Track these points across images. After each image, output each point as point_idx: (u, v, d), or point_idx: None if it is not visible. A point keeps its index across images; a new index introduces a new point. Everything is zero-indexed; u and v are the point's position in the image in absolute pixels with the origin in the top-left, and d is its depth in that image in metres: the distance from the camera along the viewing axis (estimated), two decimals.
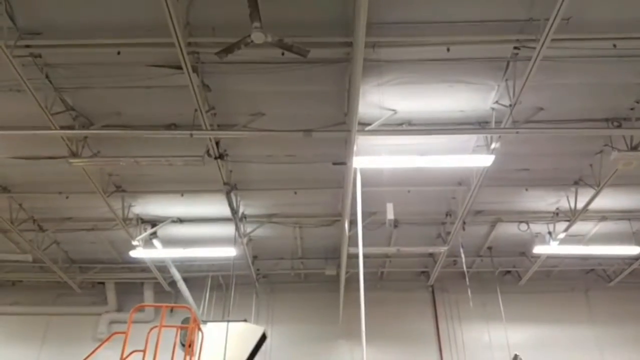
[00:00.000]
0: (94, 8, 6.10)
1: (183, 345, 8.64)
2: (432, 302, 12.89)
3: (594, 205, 9.23)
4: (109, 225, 10.63)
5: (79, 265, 12.70)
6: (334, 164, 8.33)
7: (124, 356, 7.04)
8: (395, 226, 9.99)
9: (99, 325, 12.84)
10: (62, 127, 7.54)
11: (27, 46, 6.58)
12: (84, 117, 7.83)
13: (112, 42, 6.57)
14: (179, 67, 6.54)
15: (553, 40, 5.75)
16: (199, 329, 8.27)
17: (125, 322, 11.91)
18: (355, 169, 7.85)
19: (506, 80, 6.86)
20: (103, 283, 13.10)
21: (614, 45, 6.38)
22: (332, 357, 11.98)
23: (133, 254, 10.75)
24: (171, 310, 11.88)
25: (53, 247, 11.49)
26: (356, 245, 7.70)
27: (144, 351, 7.11)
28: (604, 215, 10.18)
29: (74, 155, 8.05)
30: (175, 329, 8.15)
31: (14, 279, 13.29)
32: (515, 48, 6.44)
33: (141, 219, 10.66)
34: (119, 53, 6.74)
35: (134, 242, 10.41)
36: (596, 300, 12.63)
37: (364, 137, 7.52)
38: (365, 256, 7.83)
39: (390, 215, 7.65)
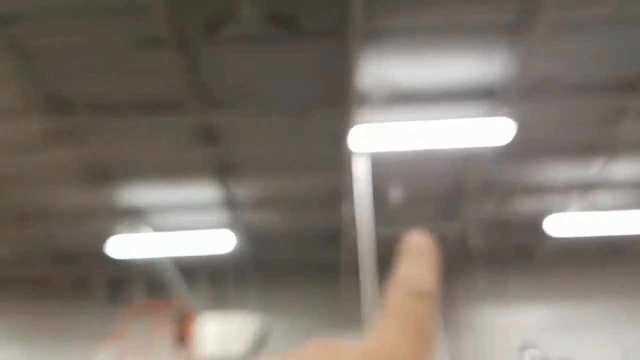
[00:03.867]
0: None
1: (179, 339, 8.51)
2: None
3: (610, 177, 9.02)
4: (95, 217, 10.23)
5: (65, 258, 12.25)
6: (331, 144, 7.96)
7: (120, 355, 6.85)
8: (400, 205, 9.72)
9: (88, 319, 12.43)
10: (42, 114, 7.25)
11: (3, 32, 6.18)
12: (65, 104, 7.43)
13: (94, 24, 6.19)
14: (165, 47, 6.22)
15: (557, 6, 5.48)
16: (194, 324, 8.17)
17: (114, 316, 11.85)
18: (356, 150, 7.58)
19: (511, 48, 6.54)
20: (91, 276, 12.72)
21: (622, 10, 6.09)
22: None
23: (121, 245, 10.46)
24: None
25: (37, 242, 11.17)
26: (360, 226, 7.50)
27: (139, 349, 6.94)
28: (620, 187, 9.90)
29: (56, 143, 7.76)
30: (170, 324, 8.00)
31: None
32: (519, 14, 6.13)
33: (128, 208, 10.27)
34: (98, 35, 6.34)
35: (122, 233, 10.13)
36: (611, 275, 12.31)
37: (363, 115, 7.17)
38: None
39: (394, 199, 7.43)
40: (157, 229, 10.69)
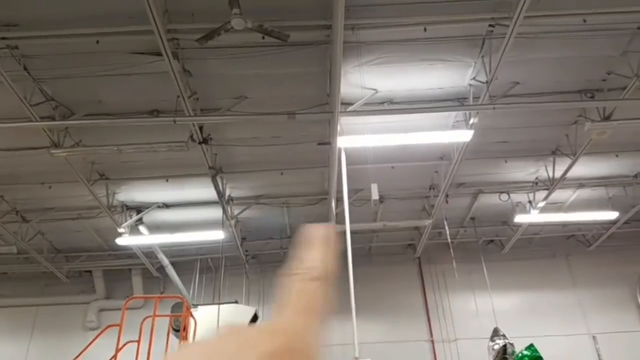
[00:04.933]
0: None
1: (174, 330, 8.72)
2: (419, 273, 13.18)
3: (571, 173, 9.51)
4: (94, 214, 10.54)
5: (64, 254, 12.55)
6: (319, 144, 8.43)
7: (119, 347, 7.09)
8: (381, 202, 10.17)
9: (87, 313, 12.75)
10: (42, 118, 7.44)
11: (3, 38, 6.48)
12: (65, 107, 7.74)
13: (91, 31, 6.52)
14: (159, 54, 6.48)
15: (526, 17, 5.89)
16: (192, 316, 8.41)
17: (114, 309, 11.98)
18: (340, 148, 7.98)
19: (482, 57, 7.00)
20: (90, 271, 12.96)
21: (584, 20, 6.58)
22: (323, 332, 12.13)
23: (119, 241, 10.68)
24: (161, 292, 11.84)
25: (38, 238, 11.33)
26: (343, 222, 7.87)
27: (138, 341, 7.18)
28: (581, 183, 10.49)
29: (56, 145, 7.97)
30: (166, 316, 8.25)
31: None
32: (490, 26, 6.58)
33: (126, 205, 10.61)
34: (97, 42, 6.69)
35: (120, 230, 10.31)
36: (577, 265, 13.03)
37: (346, 117, 7.62)
38: (352, 232, 8.01)
39: (375, 196, 7.79)
40: (154, 224, 11.03)
